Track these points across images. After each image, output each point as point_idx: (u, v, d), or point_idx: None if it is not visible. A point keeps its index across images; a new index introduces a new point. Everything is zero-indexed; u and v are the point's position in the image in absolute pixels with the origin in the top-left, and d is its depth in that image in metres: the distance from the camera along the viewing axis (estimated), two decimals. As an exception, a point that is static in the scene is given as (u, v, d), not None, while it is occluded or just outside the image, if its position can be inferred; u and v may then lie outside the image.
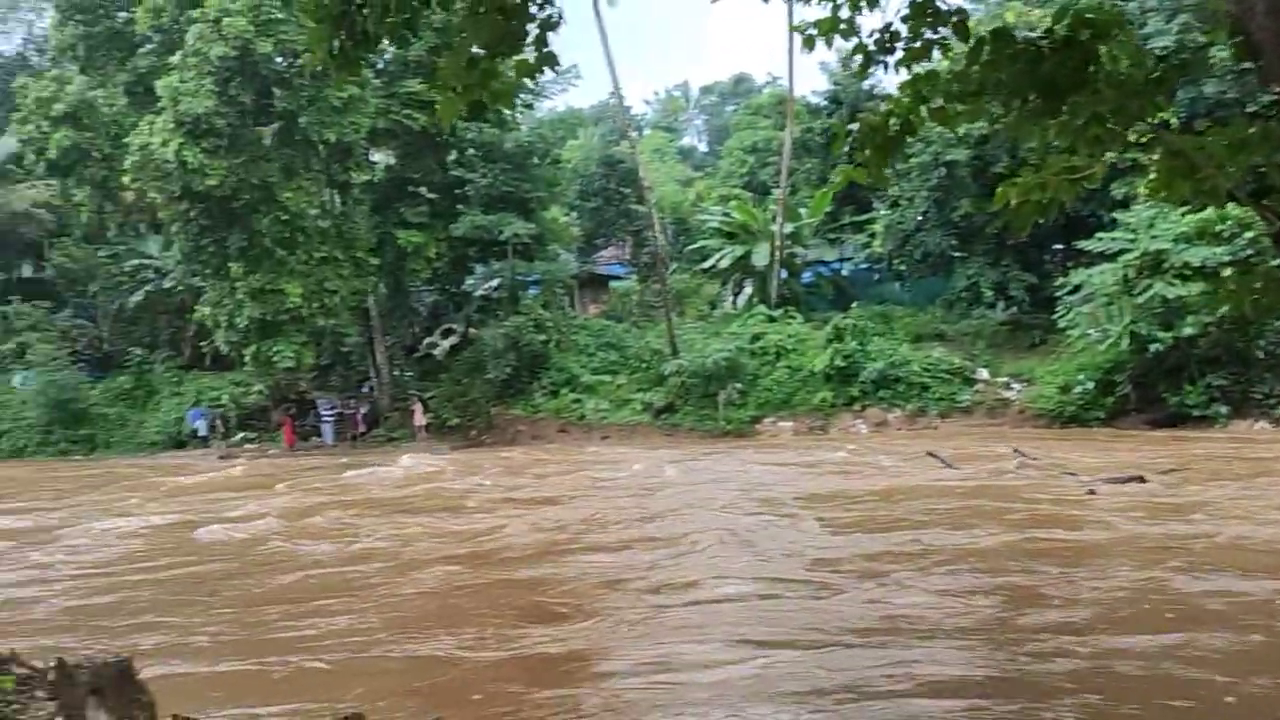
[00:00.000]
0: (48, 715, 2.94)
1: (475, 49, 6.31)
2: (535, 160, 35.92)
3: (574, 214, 45.54)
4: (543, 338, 33.51)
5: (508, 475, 23.34)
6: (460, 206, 35.58)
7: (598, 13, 35.47)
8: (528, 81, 6.74)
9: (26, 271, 50.57)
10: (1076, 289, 28.25)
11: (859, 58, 7.26)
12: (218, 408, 37.15)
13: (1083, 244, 28.18)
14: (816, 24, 7.76)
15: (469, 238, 35.08)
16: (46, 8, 39.75)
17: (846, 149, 7.25)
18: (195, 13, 28.65)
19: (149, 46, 31.54)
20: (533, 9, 6.20)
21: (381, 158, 35.96)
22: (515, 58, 6.28)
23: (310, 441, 35.10)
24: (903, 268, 36.76)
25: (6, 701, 2.95)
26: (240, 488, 23.60)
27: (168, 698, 3.86)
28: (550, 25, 6.32)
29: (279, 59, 29.36)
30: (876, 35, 7.15)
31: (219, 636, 10.06)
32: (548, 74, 6.52)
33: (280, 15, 28.38)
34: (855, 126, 7.25)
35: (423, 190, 35.81)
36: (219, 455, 33.70)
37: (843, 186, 7.92)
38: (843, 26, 7.62)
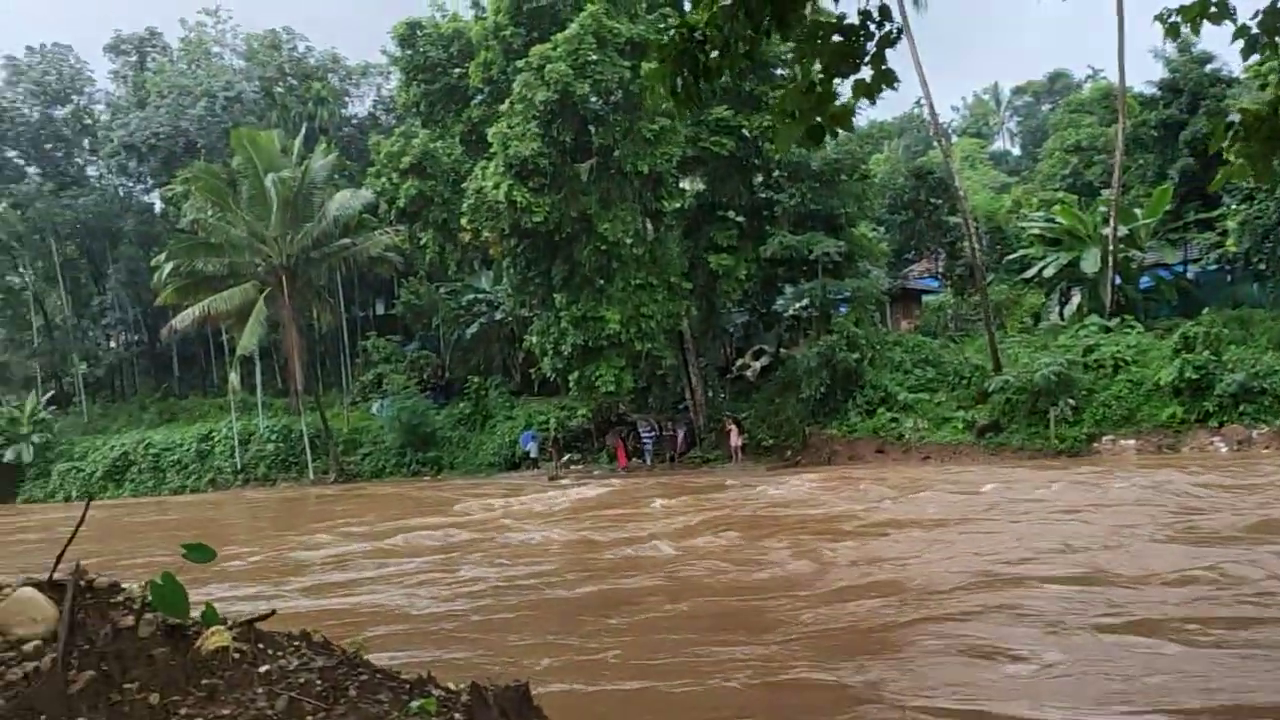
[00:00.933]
0: None
1: (813, 73, 6.22)
2: (843, 177, 35.47)
3: (883, 229, 44.56)
4: (856, 355, 32.90)
5: (861, 494, 22.91)
6: (768, 227, 35.80)
7: (904, 19, 34.49)
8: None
9: (380, 309, 56.41)
10: None
11: (1240, 43, 6.49)
12: (545, 430, 39.46)
13: None
14: (1180, 10, 7.02)
15: (778, 258, 35.15)
16: (393, 72, 44.16)
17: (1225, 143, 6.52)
18: (520, 63, 30.77)
19: (480, 98, 34.12)
20: (871, 27, 6.03)
21: (690, 184, 36.84)
22: (852, 78, 6.13)
23: (631, 463, 36.41)
24: (1262, 266, 32.90)
25: None
26: (601, 506, 24.80)
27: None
28: (889, 42, 6.11)
29: (595, 99, 30.87)
30: (1261, 15, 6.36)
31: (636, 659, 9.97)
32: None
33: (595, 57, 29.89)
34: (1236, 118, 6.48)
35: (731, 214, 36.33)
36: (548, 476, 35.74)
37: (1220, 186, 7.12)
38: (1213, 9, 6.85)
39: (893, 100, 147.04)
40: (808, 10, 6.03)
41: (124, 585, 3.84)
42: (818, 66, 6.15)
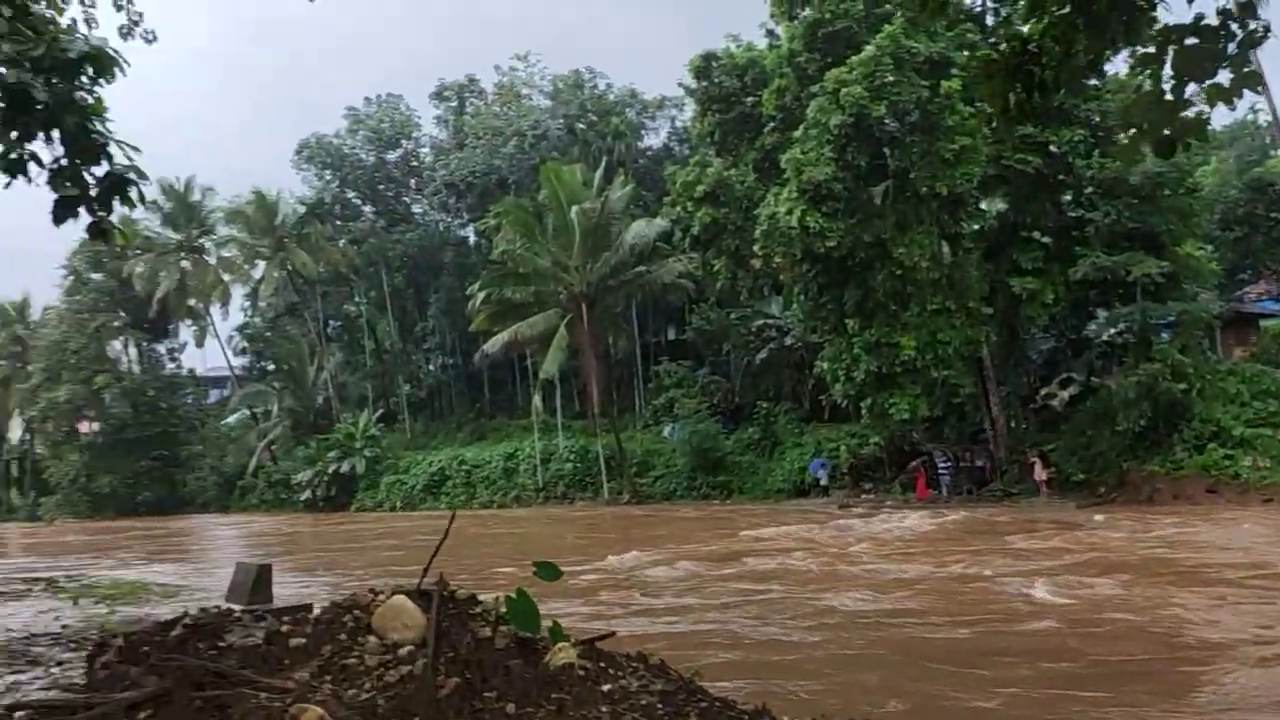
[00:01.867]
0: None
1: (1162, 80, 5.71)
2: (1166, 191, 32.62)
3: (1211, 247, 40.53)
4: (1182, 386, 30.01)
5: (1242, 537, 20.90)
6: (1078, 248, 33.46)
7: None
8: None
9: (671, 335, 57.90)
10: None
11: None
12: (835, 458, 38.84)
13: None
14: None
15: (1089, 280, 32.77)
16: (687, 103, 45.43)
17: None
18: (815, 88, 30.70)
19: (773, 125, 34.33)
20: (1233, 27, 5.47)
21: (991, 205, 35.19)
22: (1207, 83, 5.58)
23: (926, 494, 35.12)
24: None
25: None
26: (939, 539, 24.12)
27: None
28: (1254, 41, 5.52)
29: (891, 120, 30.23)
30: None
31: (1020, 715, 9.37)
32: None
33: (892, 78, 29.30)
34: None
35: (1036, 234, 34.33)
36: (839, 504, 35.11)
37: None
38: None
39: (1220, 108, 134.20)
40: (1159, 14, 5.54)
41: (480, 597, 4.07)
42: (1168, 73, 5.65)
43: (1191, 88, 5.45)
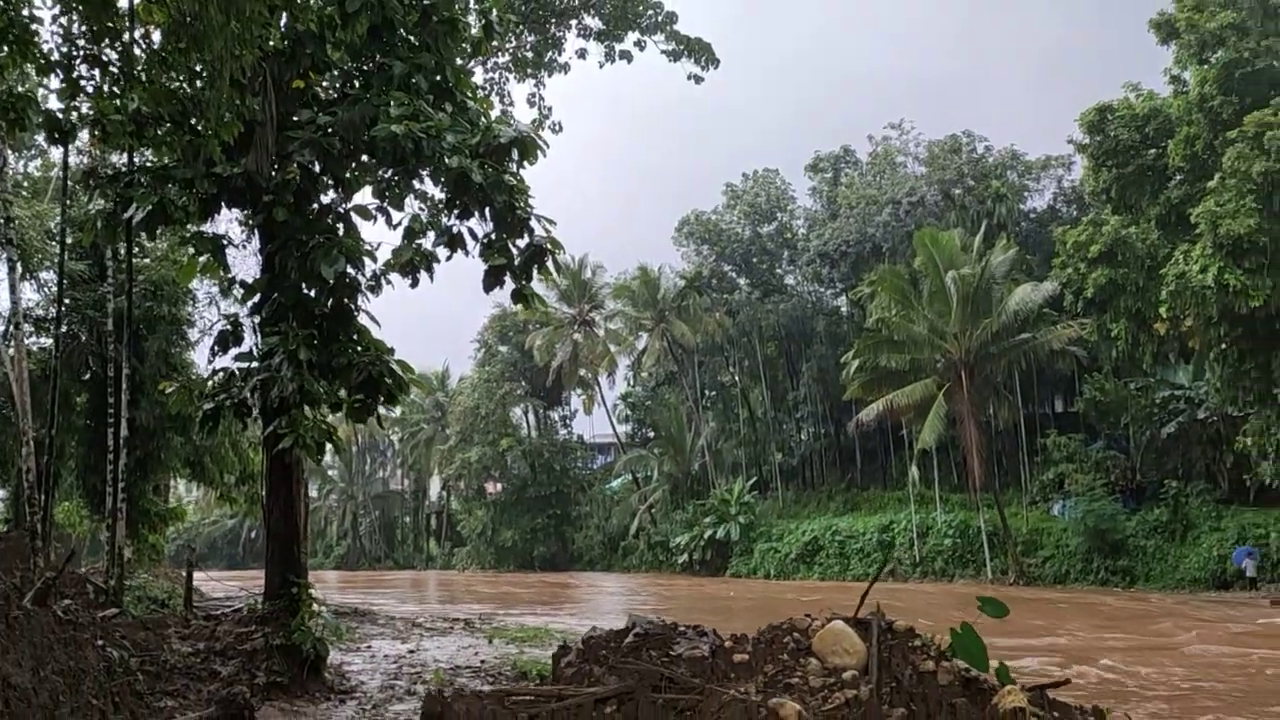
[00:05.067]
0: None
1: None
2: None
3: None
4: None
5: None
6: None
7: None
8: None
9: (1059, 406, 54.12)
10: None
11: None
12: (1263, 546, 34.17)
13: None
14: None
15: None
16: (1075, 161, 42.92)
17: None
18: (1231, 134, 27.87)
19: (1179, 177, 31.50)
20: None
21: None
22: None
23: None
24: None
25: None
26: None
27: None
28: None
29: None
30: None
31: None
32: None
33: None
34: None
35: None
36: (1271, 601, 30.76)
37: None
38: None
39: None
40: None
41: (918, 632, 4.02)
42: None
43: None
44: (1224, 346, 30.46)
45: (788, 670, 4.24)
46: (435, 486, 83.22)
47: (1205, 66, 29.85)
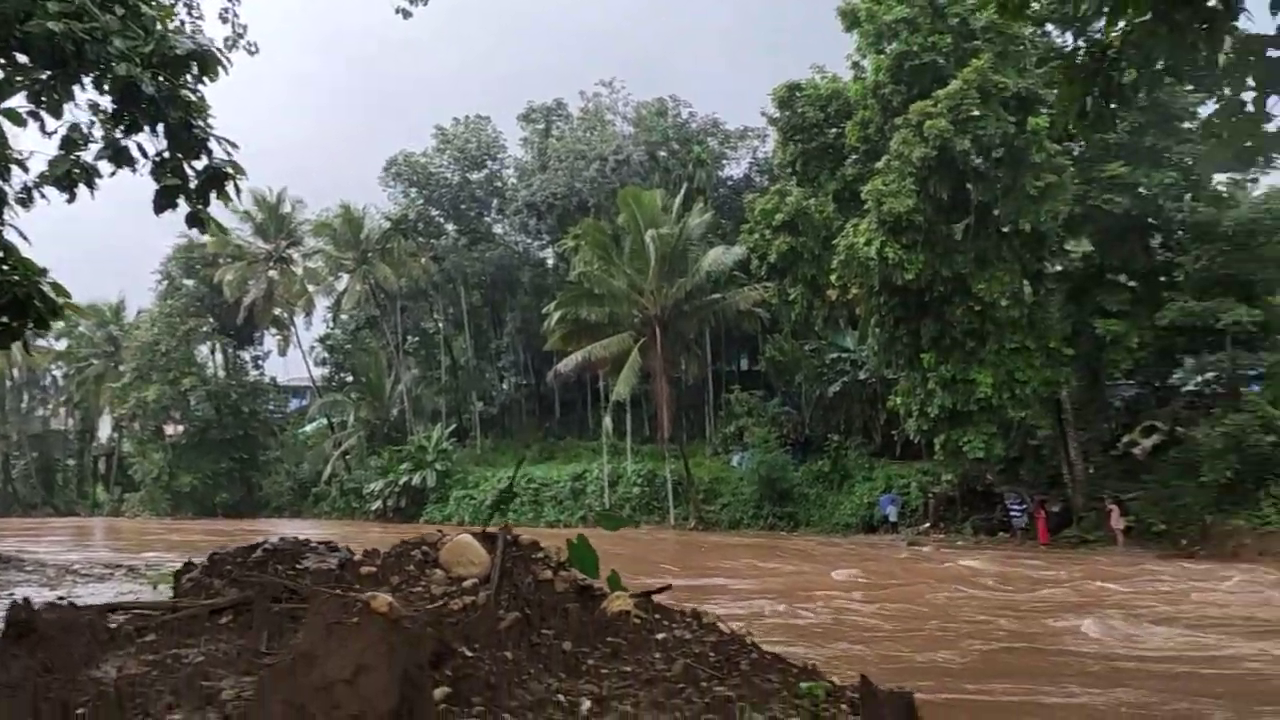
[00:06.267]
0: None
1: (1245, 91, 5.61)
2: (1261, 239, 31.63)
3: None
4: (1272, 439, 29.00)
5: None
6: (1166, 293, 32.66)
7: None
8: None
9: (744, 364, 57.80)
10: None
11: None
12: (905, 495, 38.27)
13: None
14: None
15: (1177, 326, 31.91)
16: (769, 134, 45.51)
17: None
18: (899, 120, 30.54)
19: (855, 156, 34.19)
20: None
21: (1077, 245, 34.54)
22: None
23: (997, 536, 34.38)
24: None
25: (820, 708, 3.14)
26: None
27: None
28: (1341, 54, 5.40)
29: (975, 155, 29.94)
30: None
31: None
32: None
33: (978, 112, 29.02)
34: None
35: (1122, 277, 33.64)
36: (907, 541, 34.56)
37: None
38: None
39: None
40: (1240, 22, 5.45)
41: (543, 545, 4.27)
42: (1250, 83, 5.55)
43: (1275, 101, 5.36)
44: (882, 314, 33.52)
45: (412, 580, 4.34)
46: (105, 427, 76.53)
47: (881, 56, 32.45)
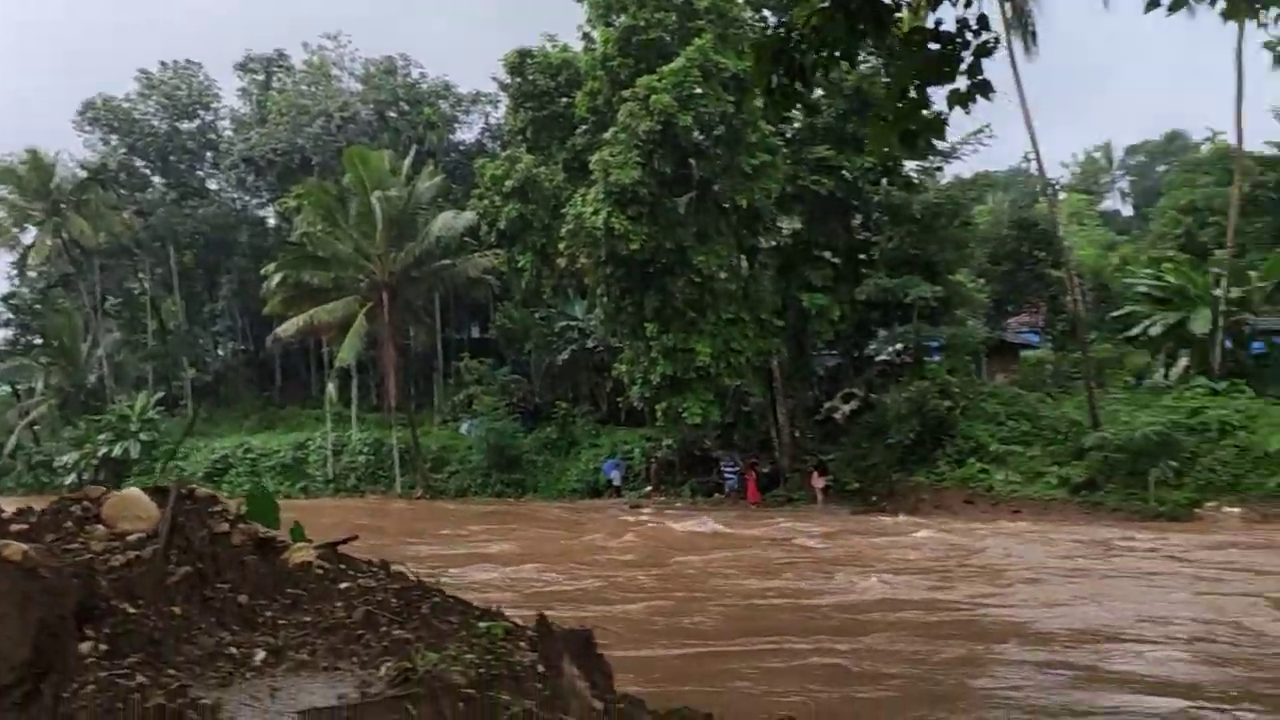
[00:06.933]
0: (531, 661, 3.19)
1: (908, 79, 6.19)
2: (944, 222, 34.99)
3: (983, 279, 43.72)
4: (948, 403, 32.27)
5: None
6: (865, 270, 35.50)
7: (1015, 68, 34.03)
8: (939, 143, 6.51)
9: (475, 332, 57.47)
10: None
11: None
12: (629, 459, 39.55)
13: None
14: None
15: (873, 300, 34.80)
16: (501, 100, 45.27)
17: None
18: (626, 93, 31.25)
19: (585, 127, 34.71)
20: (967, 35, 5.99)
21: (788, 223, 36.79)
22: (948, 86, 6.09)
23: (712, 497, 36.21)
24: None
25: (497, 646, 3.26)
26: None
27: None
28: (985, 51, 6.05)
29: (697, 132, 31.15)
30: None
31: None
32: (958, 133, 6.30)
33: (700, 90, 30.22)
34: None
35: (827, 254, 36.15)
36: (630, 505, 35.77)
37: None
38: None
39: (1001, 153, 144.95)
40: (905, 15, 6.03)
41: (221, 498, 4.14)
42: (914, 72, 6.13)
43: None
44: (609, 284, 34.32)
45: (69, 537, 4.03)
46: None
47: (610, 28, 33.06)
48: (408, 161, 45.89)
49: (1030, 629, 13.37)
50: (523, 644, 3.48)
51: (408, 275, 43.63)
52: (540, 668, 3.17)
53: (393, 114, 53.22)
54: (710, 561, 20.91)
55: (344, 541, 4.54)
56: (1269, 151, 39.47)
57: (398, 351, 43.63)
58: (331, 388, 46.10)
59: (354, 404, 47.94)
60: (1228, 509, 27.15)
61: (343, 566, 4.24)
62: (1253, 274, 35.40)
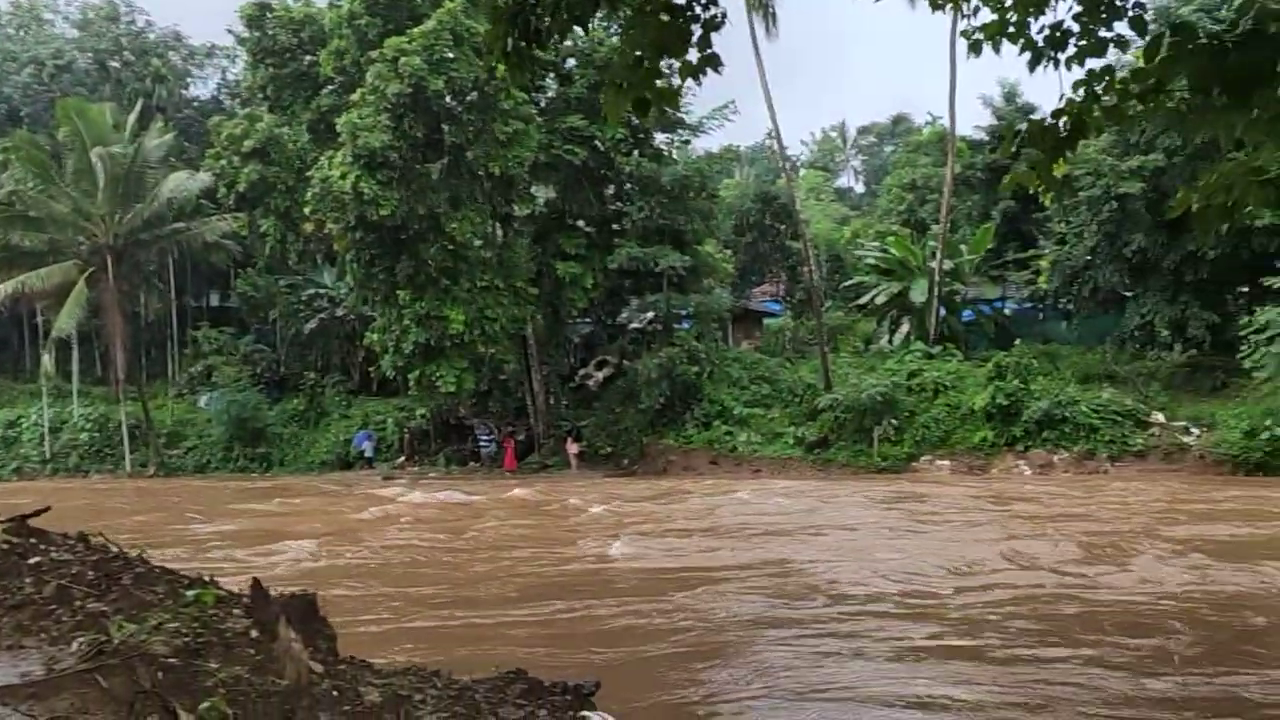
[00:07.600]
0: (244, 627, 3.15)
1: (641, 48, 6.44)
2: (691, 194, 36.23)
3: (728, 250, 45.69)
4: (695, 369, 33.63)
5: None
6: (617, 239, 36.23)
7: (756, 48, 35.66)
8: (686, 116, 6.83)
9: (214, 300, 54.21)
10: (1264, 328, 26.54)
11: (1027, 55, 7.11)
12: (381, 430, 38.72)
13: (1272, 281, 26.55)
14: (982, 28, 7.64)
15: (625, 269, 35.63)
16: (239, 54, 42.71)
17: (1014, 149, 7.09)
18: (374, 54, 30.28)
19: (331, 87, 33.38)
20: (696, 9, 6.30)
21: (542, 191, 36.96)
22: (680, 59, 6.38)
23: (468, 466, 36.11)
24: (1070, 306, 35.37)
25: (207, 614, 3.19)
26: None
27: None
28: (713, 26, 6.39)
29: (449, 96, 30.65)
30: (1047, 32, 7.01)
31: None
32: (705, 109, 6.65)
33: (451, 54, 29.74)
34: (1024, 127, 7.08)
35: (581, 223, 36.62)
36: (383, 477, 35.06)
37: (1010, 189, 7.73)
38: (1010, 30, 7.48)
39: (746, 129, 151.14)
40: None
41: None
42: (646, 42, 6.38)
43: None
44: (359, 250, 33.26)
45: None
46: None
47: (357, -15, 31.86)
48: (133, 116, 42.52)
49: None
50: (236, 611, 3.42)
51: (135, 238, 40.53)
52: (254, 633, 3.14)
53: (115, 64, 49.12)
54: (480, 531, 20.83)
55: (34, 515, 4.32)
56: (977, 136, 43.23)
57: (125, 320, 40.53)
58: (47, 359, 42.17)
59: (75, 377, 44.25)
60: (940, 462, 29.89)
61: (34, 541, 4.02)
62: (964, 248, 38.87)
